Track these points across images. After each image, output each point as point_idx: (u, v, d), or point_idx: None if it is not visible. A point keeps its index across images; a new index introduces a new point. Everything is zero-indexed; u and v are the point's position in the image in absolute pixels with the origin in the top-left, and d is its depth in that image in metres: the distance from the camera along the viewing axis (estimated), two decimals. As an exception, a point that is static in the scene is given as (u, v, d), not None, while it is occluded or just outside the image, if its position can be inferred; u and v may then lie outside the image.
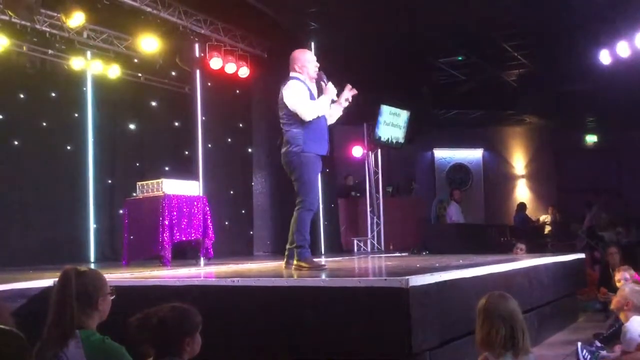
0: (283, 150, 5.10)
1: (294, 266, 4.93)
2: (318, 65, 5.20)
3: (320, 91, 5.19)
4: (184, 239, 7.11)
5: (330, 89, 5.12)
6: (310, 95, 5.11)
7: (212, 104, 10.49)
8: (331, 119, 5.34)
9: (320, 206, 10.22)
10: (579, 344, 4.46)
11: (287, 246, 5.10)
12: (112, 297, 2.90)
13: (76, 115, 9.92)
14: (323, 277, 4.13)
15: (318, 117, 5.04)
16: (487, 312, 2.82)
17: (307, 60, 5.15)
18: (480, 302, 2.90)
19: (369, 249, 11.41)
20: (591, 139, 16.62)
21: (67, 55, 9.25)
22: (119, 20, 8.99)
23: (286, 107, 5.03)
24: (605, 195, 14.32)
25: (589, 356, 4.31)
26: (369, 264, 6.11)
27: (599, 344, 4.57)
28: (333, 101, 5.20)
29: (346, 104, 5.26)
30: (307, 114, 4.96)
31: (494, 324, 2.77)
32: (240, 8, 9.26)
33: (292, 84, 5.03)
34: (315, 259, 5.19)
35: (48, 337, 2.62)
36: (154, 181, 7.14)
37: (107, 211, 10.00)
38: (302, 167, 4.99)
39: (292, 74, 5.15)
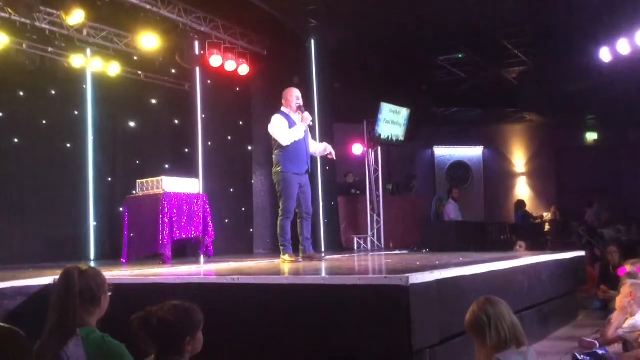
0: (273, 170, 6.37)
1: (280, 259, 6.22)
2: (300, 99, 6.34)
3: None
4: (184, 236, 7.10)
5: (307, 117, 6.27)
6: (291, 124, 6.22)
7: (212, 101, 10.47)
8: (317, 151, 6.67)
9: (320, 204, 10.22)
10: (576, 353, 4.43)
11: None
12: (109, 294, 2.90)
13: (76, 112, 9.91)
14: (323, 274, 4.13)
15: (295, 142, 6.16)
16: (476, 321, 2.79)
17: (290, 96, 6.33)
18: (468, 314, 2.83)
19: (369, 247, 11.39)
20: (591, 136, 16.58)
21: (67, 53, 9.24)
22: (119, 17, 8.99)
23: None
24: (605, 193, 14.29)
25: (588, 358, 4.30)
26: (369, 262, 6.11)
27: (597, 345, 4.58)
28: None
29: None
30: (283, 140, 6.16)
31: (485, 329, 2.74)
32: (240, 6, 9.25)
33: (274, 117, 6.25)
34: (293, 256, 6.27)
35: (49, 335, 2.62)
36: (154, 179, 7.13)
37: (107, 209, 9.98)
38: (282, 183, 6.21)
39: (282, 108, 6.34)
